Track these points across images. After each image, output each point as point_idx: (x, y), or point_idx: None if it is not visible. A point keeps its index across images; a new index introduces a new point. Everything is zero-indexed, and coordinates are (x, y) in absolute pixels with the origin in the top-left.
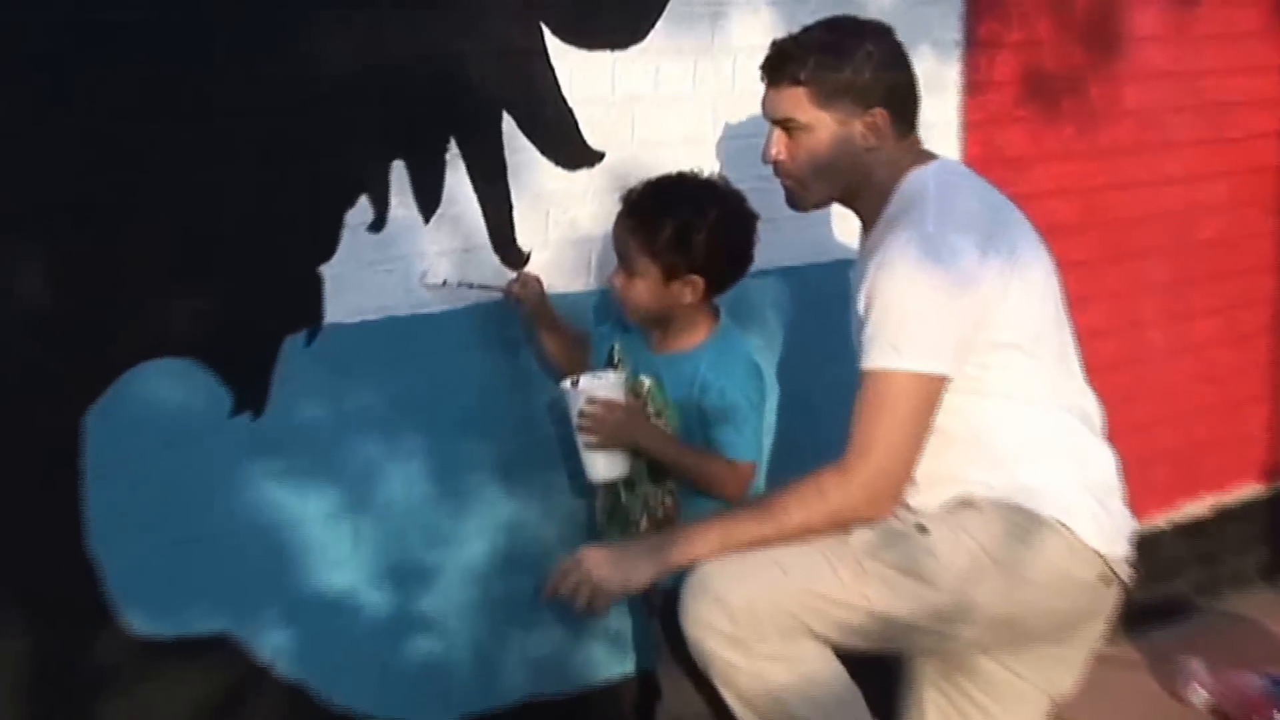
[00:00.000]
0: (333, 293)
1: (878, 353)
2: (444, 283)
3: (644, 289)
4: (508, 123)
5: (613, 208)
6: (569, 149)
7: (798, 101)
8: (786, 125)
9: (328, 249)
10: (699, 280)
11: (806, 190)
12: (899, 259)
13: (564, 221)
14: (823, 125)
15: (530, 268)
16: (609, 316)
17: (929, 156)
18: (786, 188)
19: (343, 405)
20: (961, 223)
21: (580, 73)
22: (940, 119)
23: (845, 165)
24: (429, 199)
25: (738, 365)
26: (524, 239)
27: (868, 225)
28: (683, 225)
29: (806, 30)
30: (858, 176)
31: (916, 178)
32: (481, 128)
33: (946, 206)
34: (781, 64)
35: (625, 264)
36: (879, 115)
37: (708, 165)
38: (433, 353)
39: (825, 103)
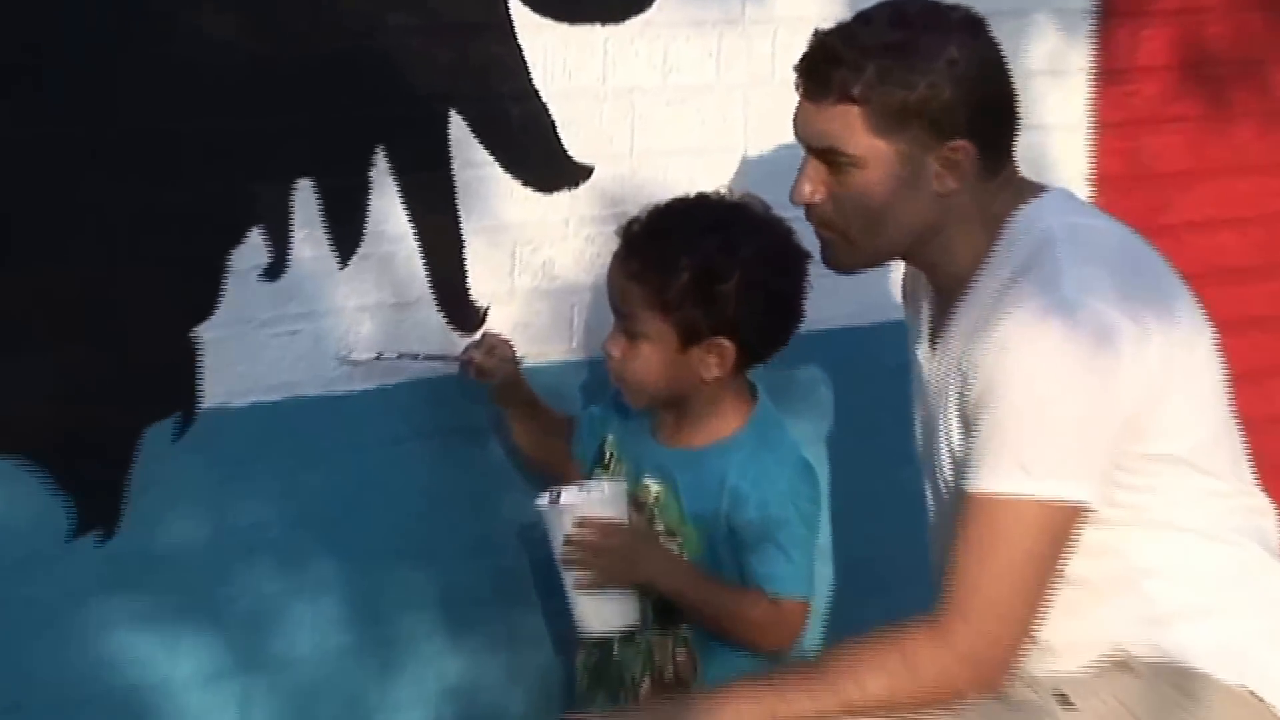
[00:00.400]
0: (213, 365)
1: (997, 472)
2: (377, 356)
3: (652, 359)
4: (458, 127)
5: (606, 245)
6: (543, 163)
7: (848, 126)
8: (829, 157)
9: (204, 305)
10: (728, 345)
11: (852, 246)
12: (1033, 337)
13: (535, 265)
14: (881, 160)
15: (489, 329)
16: (600, 396)
17: (1033, 189)
18: (824, 239)
19: (227, 521)
20: (1109, 285)
21: (559, 56)
22: (1060, 119)
23: (910, 215)
24: (347, 234)
25: (784, 466)
26: (480, 290)
27: (947, 288)
28: (705, 268)
29: (864, 20)
30: (927, 229)
31: (1028, 220)
32: (420, 134)
33: (1084, 260)
34: (826, 70)
35: (625, 324)
36: (962, 149)
37: (736, 183)
38: (353, 448)
39: (887, 129)
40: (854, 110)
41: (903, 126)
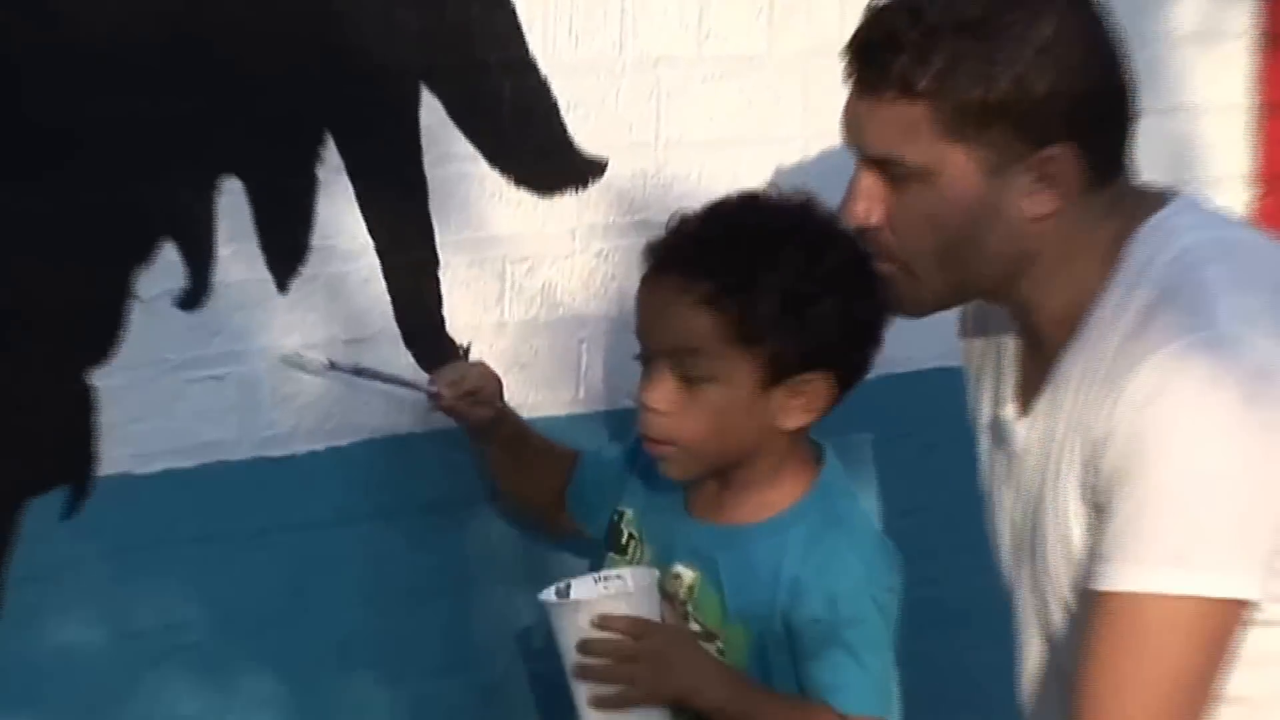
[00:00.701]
0: (113, 421)
1: (1144, 563)
2: (329, 364)
3: (722, 408)
4: (431, 109)
5: (624, 263)
6: (542, 156)
7: (911, 128)
8: (888, 168)
9: (101, 343)
10: (821, 382)
11: (919, 283)
12: (1185, 387)
13: (532, 289)
14: (954, 173)
15: (472, 357)
16: (617, 458)
17: (1155, 199)
18: (885, 274)
19: (132, 622)
20: (1277, 316)
21: (564, 16)
22: (1213, 98)
23: (994, 243)
24: (287, 249)
25: (859, 548)
26: (460, 322)
27: (1045, 334)
28: (794, 286)
29: None
30: (1017, 260)
31: (1157, 239)
32: (383, 119)
33: (1243, 285)
34: (883, 56)
35: (682, 366)
36: (1061, 157)
37: (789, 183)
38: (295, 527)
39: (962, 133)
40: (919, 108)
41: (982, 129)
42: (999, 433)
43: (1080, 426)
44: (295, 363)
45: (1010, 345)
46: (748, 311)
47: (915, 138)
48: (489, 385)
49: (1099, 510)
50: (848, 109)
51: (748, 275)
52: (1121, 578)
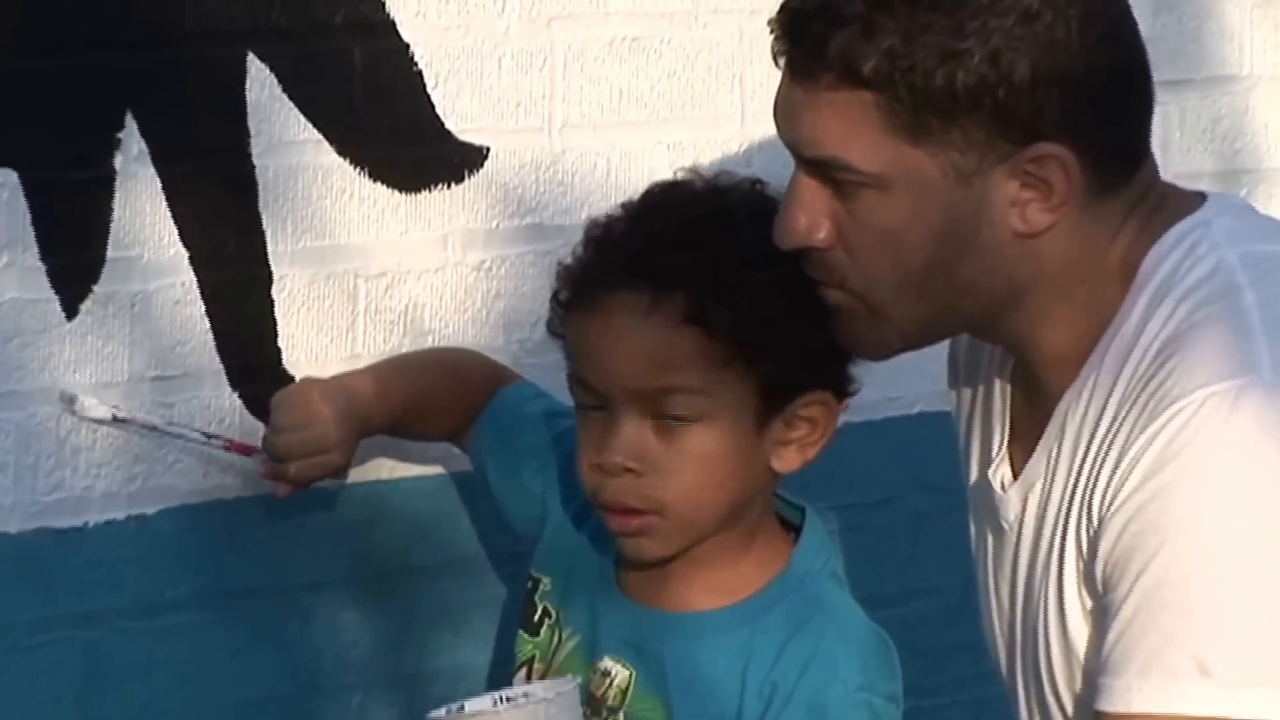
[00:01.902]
0: None
1: (1156, 674)
2: (112, 417)
3: (718, 454)
4: (260, 82)
5: (513, 278)
6: (405, 141)
7: (856, 122)
8: (832, 172)
9: None
10: (822, 407)
11: (877, 318)
12: (1214, 454)
13: (392, 311)
14: (917, 178)
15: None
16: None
17: (1181, 202)
18: (833, 305)
19: None
20: None
21: None
22: (1267, 68)
23: (974, 268)
24: (75, 262)
25: (853, 645)
26: (301, 353)
27: (1041, 375)
28: (786, 279)
29: None
30: (1004, 289)
31: (1181, 254)
32: (198, 95)
33: None
34: (819, 30)
35: (647, 409)
36: (1054, 156)
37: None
38: (90, 620)
39: (921, 129)
40: (866, 98)
41: (949, 123)
42: (986, 502)
43: (1081, 493)
44: (73, 408)
45: (1001, 391)
46: (742, 320)
47: (863, 136)
48: (334, 428)
49: (1100, 605)
50: (779, 97)
51: (731, 273)
52: (1130, 693)
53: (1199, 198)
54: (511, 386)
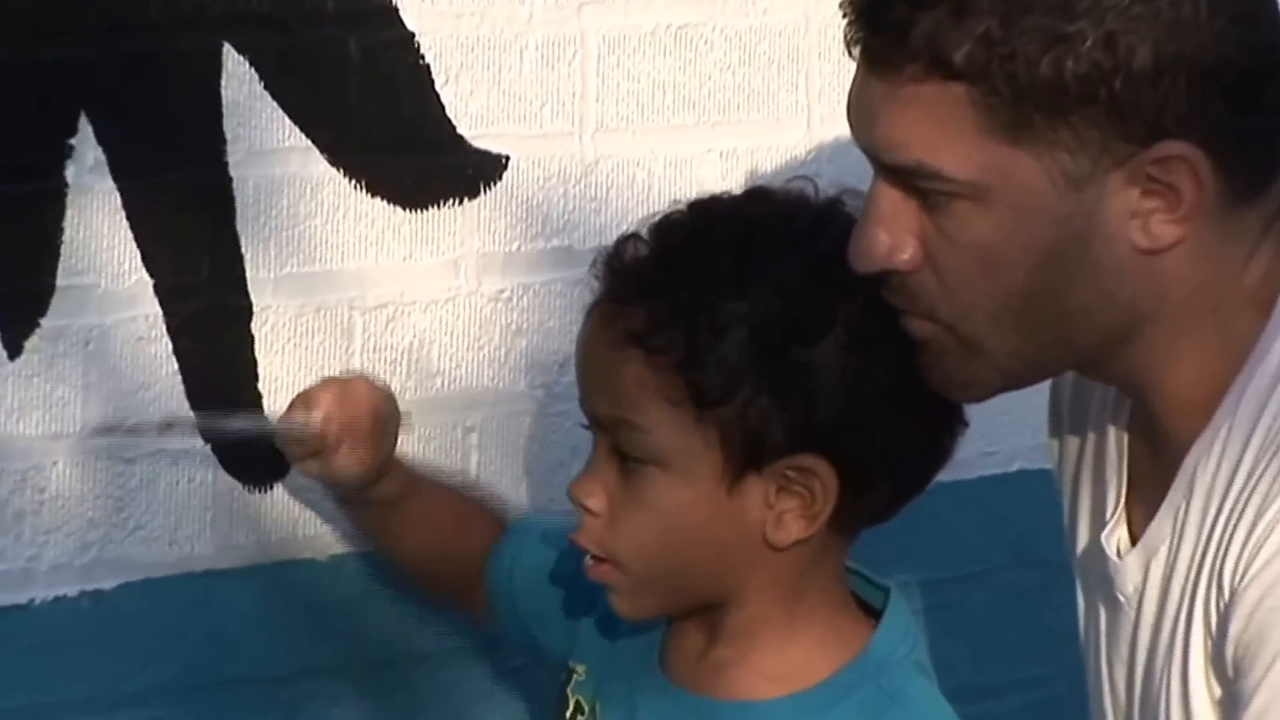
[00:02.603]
0: None
1: None
2: (163, 425)
3: (671, 509)
4: (239, 80)
5: (536, 309)
6: (410, 150)
7: (947, 121)
8: (919, 180)
9: None
10: (822, 472)
11: (972, 353)
12: None
13: (396, 348)
14: (1019, 185)
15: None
16: (565, 584)
17: None
18: (922, 339)
19: None
20: None
21: None
22: None
23: (1085, 293)
24: (19, 290)
25: None
26: (287, 398)
27: (1162, 423)
28: (774, 317)
29: None
30: (1121, 318)
31: None
32: (164, 96)
33: None
34: (902, 11)
35: (615, 438)
36: (1183, 155)
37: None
38: (35, 712)
39: (1026, 126)
40: (957, 92)
41: (1057, 121)
42: (1099, 571)
43: (1211, 561)
44: (117, 434)
45: (1117, 440)
46: (696, 353)
47: (954, 137)
48: (379, 405)
49: (1231, 692)
50: (854, 93)
51: (700, 299)
52: None
53: None
54: (514, 528)
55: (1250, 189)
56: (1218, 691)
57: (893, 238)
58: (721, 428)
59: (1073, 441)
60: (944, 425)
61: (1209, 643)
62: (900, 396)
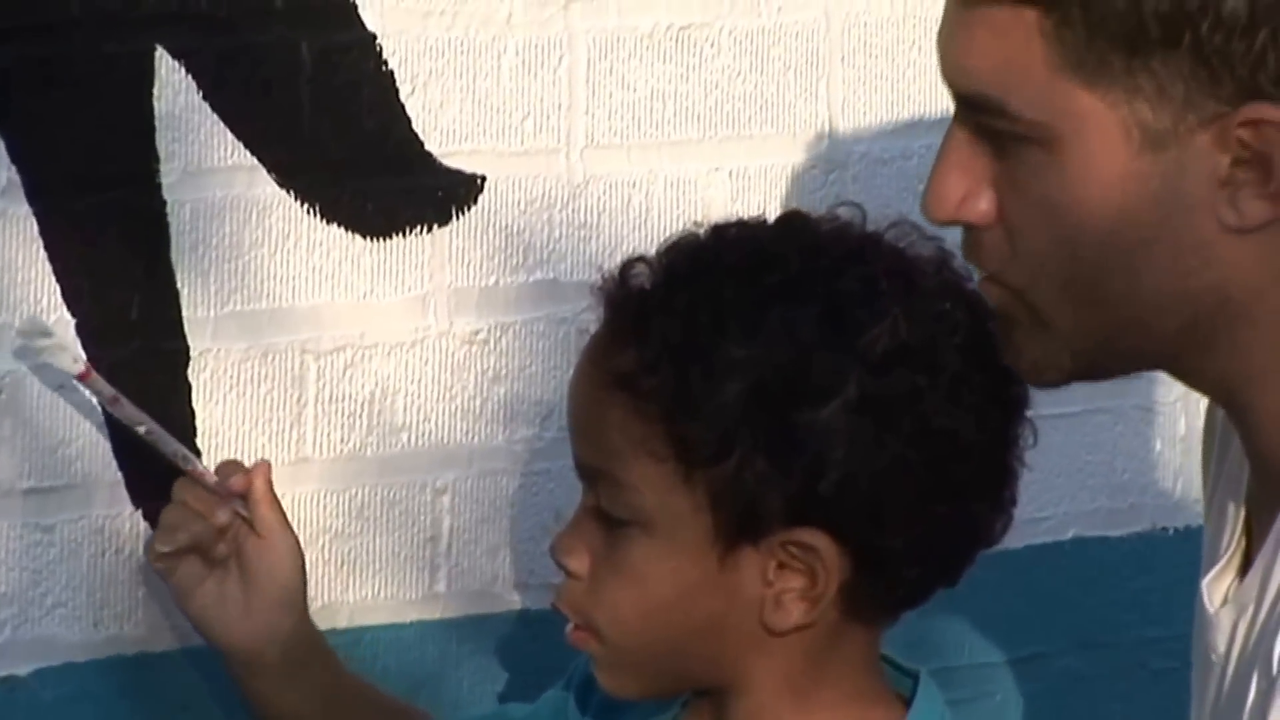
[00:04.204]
0: None
1: None
2: (83, 366)
3: (644, 573)
4: (174, 88)
5: (524, 353)
6: (372, 169)
7: (1018, 51)
8: (987, 119)
9: None
10: (823, 548)
11: (1045, 328)
12: None
13: (356, 399)
14: (1089, 133)
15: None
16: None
17: None
18: (998, 311)
19: None
20: None
21: None
22: None
23: (1162, 266)
24: None
25: None
26: (228, 458)
27: (1270, 445)
28: (775, 368)
29: None
30: (1208, 302)
31: None
32: (87, 108)
33: None
34: None
35: (599, 495)
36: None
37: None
38: None
39: (1101, 65)
40: (1028, 18)
41: (1137, 65)
42: (1200, 623)
43: None
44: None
45: (1241, 472)
46: (685, 401)
47: (1023, 70)
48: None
49: None
50: (944, 20)
51: (694, 339)
52: None
53: None
54: None
55: None
56: None
57: (966, 185)
58: (712, 490)
59: (1215, 467)
60: (986, 503)
61: None
62: (922, 470)
